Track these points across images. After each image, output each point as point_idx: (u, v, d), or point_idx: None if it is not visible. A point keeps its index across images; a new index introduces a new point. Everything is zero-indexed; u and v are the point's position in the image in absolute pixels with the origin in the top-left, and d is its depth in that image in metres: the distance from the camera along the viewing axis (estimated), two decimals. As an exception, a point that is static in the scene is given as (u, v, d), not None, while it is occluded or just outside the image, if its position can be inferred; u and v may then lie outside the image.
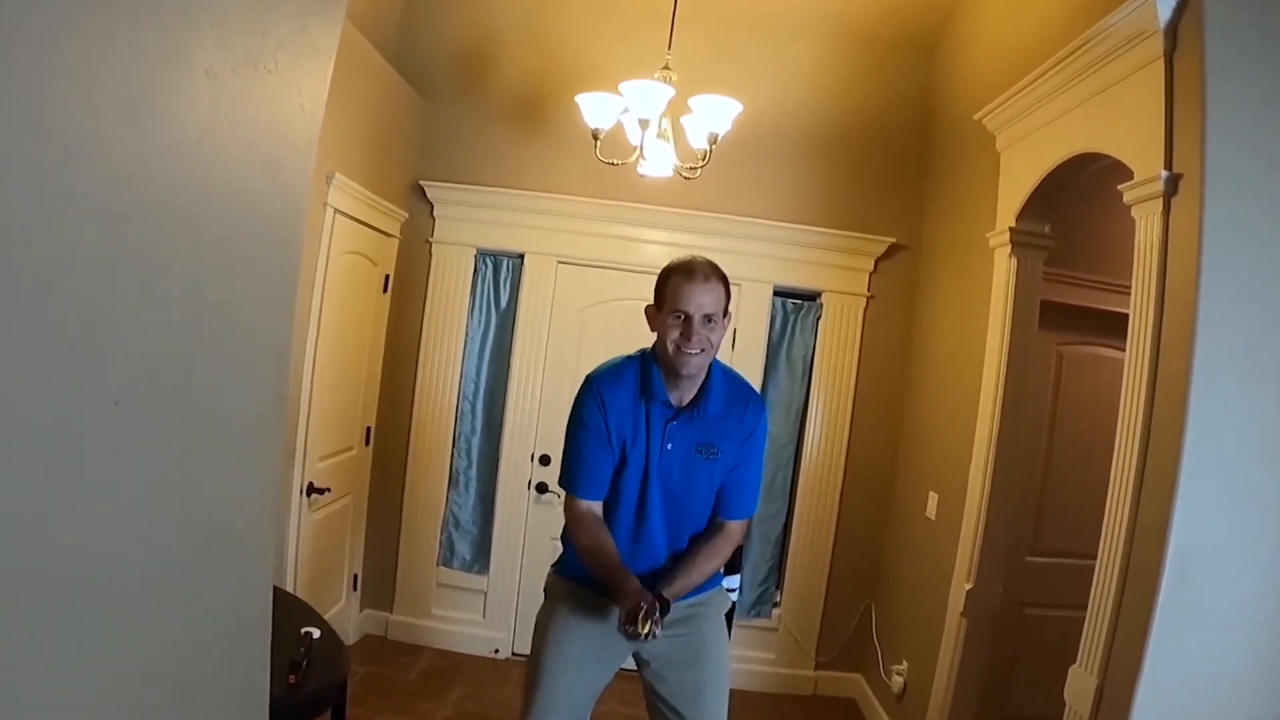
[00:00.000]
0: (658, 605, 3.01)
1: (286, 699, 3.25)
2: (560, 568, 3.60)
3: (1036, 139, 4.46)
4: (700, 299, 3.16)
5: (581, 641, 3.39)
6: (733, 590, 4.10)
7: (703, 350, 3.18)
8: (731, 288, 5.61)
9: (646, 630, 2.93)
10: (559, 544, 3.65)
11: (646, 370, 3.32)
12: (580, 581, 3.44)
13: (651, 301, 3.33)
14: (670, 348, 3.19)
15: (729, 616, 3.79)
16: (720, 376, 3.38)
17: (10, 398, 1.19)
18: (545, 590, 3.63)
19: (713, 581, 3.53)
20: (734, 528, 3.46)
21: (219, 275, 1.69)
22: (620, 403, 3.31)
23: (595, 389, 3.33)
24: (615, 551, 3.28)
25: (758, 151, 6.27)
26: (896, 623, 5.90)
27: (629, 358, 3.41)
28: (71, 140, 1.25)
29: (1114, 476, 3.37)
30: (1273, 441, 3.00)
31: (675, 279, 3.21)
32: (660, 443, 3.31)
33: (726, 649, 3.58)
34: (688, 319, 3.16)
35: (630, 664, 3.50)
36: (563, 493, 3.47)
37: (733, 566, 3.80)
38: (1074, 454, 5.32)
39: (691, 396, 3.32)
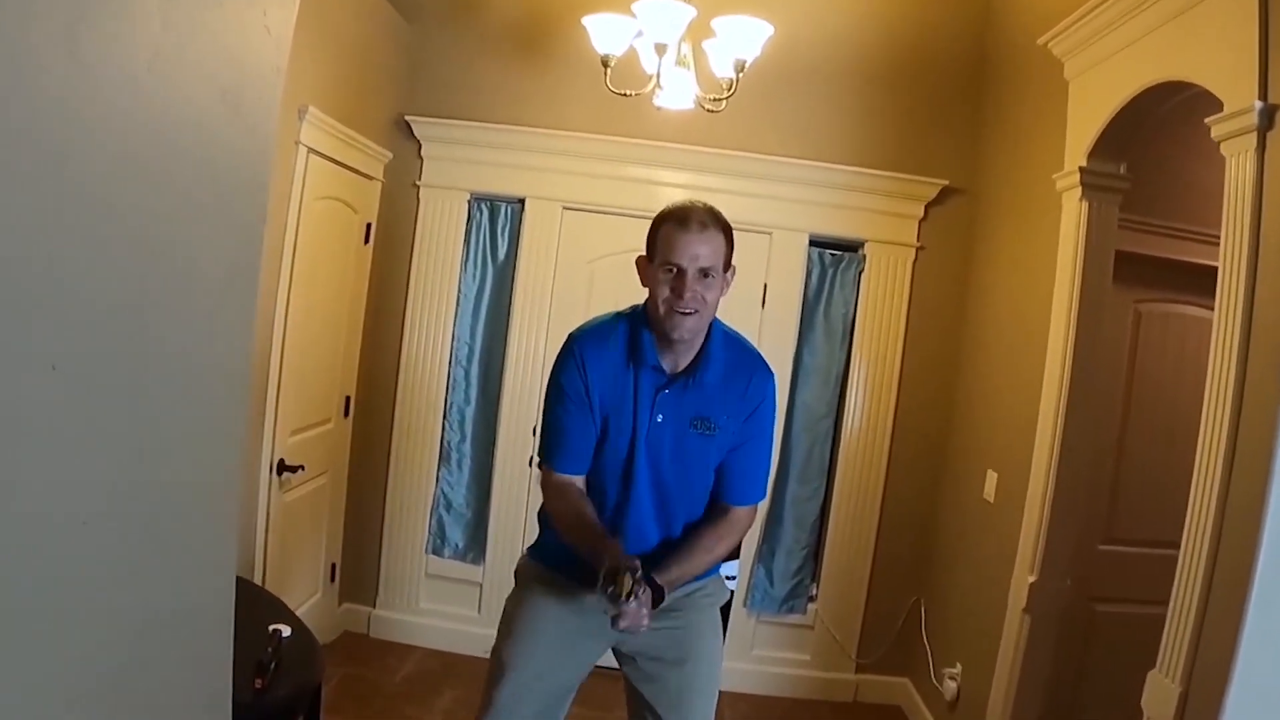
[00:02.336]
0: (643, 576, 2.95)
1: (252, 706, 3.25)
2: (535, 551, 3.62)
3: (1110, 66, 4.41)
4: (695, 249, 3.12)
5: (553, 632, 3.40)
6: (731, 579, 4.07)
7: (697, 311, 3.15)
8: (762, 237, 5.59)
9: (628, 590, 2.85)
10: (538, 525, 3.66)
11: (636, 331, 3.28)
12: (556, 567, 3.44)
13: (644, 253, 3.31)
14: (661, 307, 3.15)
15: (725, 610, 3.77)
16: (721, 340, 3.35)
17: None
18: (516, 575, 3.64)
19: (710, 569, 3.52)
20: (741, 515, 3.45)
21: (173, 223, 1.68)
22: (604, 366, 3.29)
23: (575, 349, 3.32)
24: (598, 521, 3.27)
25: (791, 81, 6.22)
26: (949, 620, 5.91)
27: (618, 314, 3.38)
28: (-2, 67, 1.23)
29: (1200, 453, 3.34)
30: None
31: (667, 226, 3.18)
32: (649, 414, 3.28)
33: (719, 648, 3.59)
34: (680, 273, 3.12)
35: (610, 660, 3.51)
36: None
37: (730, 554, 3.79)
38: (1154, 427, 5.29)
39: (687, 362, 3.30)
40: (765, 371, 3.41)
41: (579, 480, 3.36)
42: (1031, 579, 4.71)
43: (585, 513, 3.27)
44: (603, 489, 3.37)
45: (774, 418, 3.47)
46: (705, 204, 3.25)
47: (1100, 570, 5.31)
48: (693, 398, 3.27)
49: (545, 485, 3.40)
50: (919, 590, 6.36)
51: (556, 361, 3.36)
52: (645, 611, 2.96)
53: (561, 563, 3.38)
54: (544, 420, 3.40)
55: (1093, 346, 4.65)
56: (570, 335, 3.38)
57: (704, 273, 3.13)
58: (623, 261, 6.05)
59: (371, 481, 6.48)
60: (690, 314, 3.13)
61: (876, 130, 6.27)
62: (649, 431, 3.27)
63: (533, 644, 3.37)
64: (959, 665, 5.56)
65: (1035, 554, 4.71)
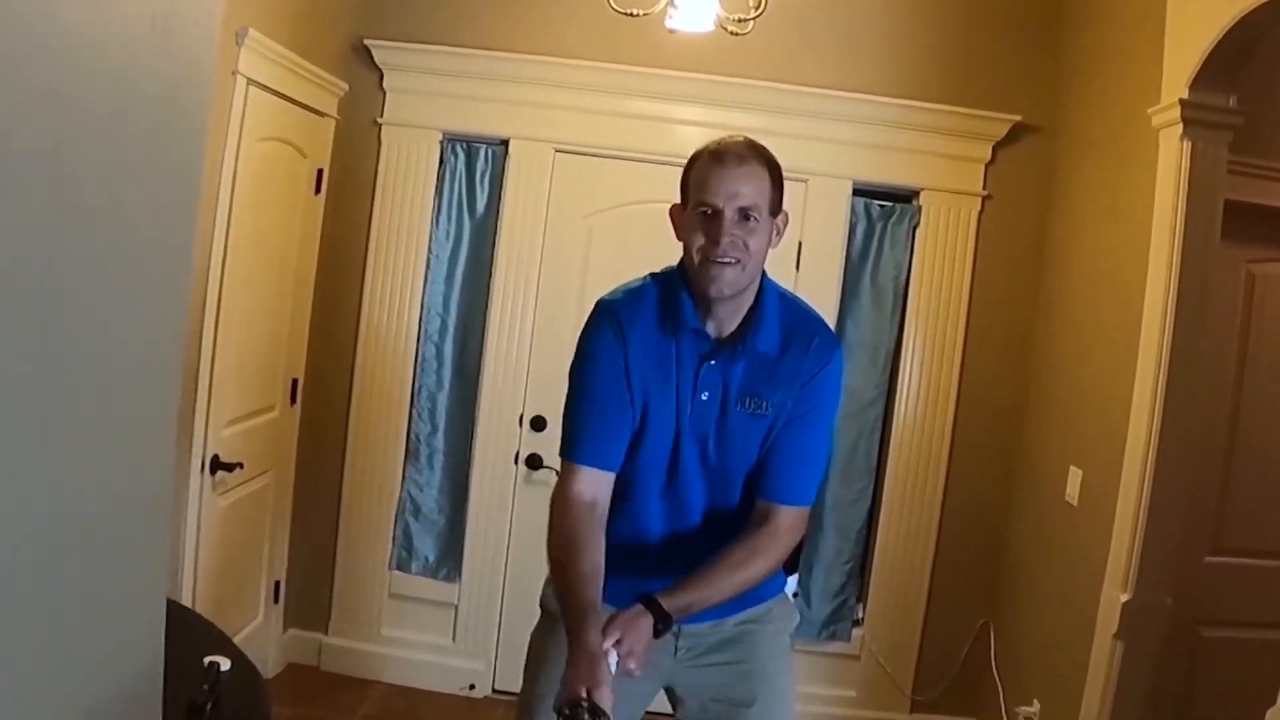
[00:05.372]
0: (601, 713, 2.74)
1: (187, 753, 3.27)
2: None
3: (1220, -25, 4.41)
4: (733, 186, 3.10)
5: None
6: (793, 595, 4.00)
7: (738, 260, 3.10)
8: (797, 185, 5.56)
9: None
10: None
11: (671, 292, 3.26)
12: None
13: (677, 200, 3.28)
14: (696, 257, 3.13)
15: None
16: (776, 301, 3.31)
17: None
18: (542, 603, 3.56)
19: (771, 585, 3.45)
20: (784, 521, 3.30)
21: (93, 170, 1.68)
22: (643, 333, 3.25)
23: (610, 312, 3.28)
24: (592, 574, 3.10)
25: (831, -5, 6.24)
26: (1024, 647, 5.92)
27: (649, 277, 3.37)
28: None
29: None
30: None
31: (701, 163, 3.17)
32: (692, 391, 3.24)
33: (792, 685, 3.54)
34: (717, 214, 3.09)
35: (662, 705, 3.49)
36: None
37: (787, 565, 3.72)
38: (1273, 412, 5.29)
39: (735, 326, 3.26)
40: (829, 337, 3.37)
41: (602, 485, 3.25)
42: (1124, 597, 4.71)
43: (578, 558, 3.10)
44: (643, 492, 3.32)
45: (836, 398, 3.41)
46: (746, 137, 3.23)
47: (1207, 587, 5.32)
48: (742, 370, 3.23)
49: (556, 502, 3.26)
50: (987, 612, 6.37)
51: (585, 331, 3.32)
52: (646, 632, 2.91)
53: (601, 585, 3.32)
54: (569, 403, 3.33)
55: (1198, 315, 4.65)
56: (600, 301, 3.34)
57: (744, 214, 3.10)
58: (629, 215, 6.09)
59: (323, 482, 6.48)
60: (730, 264, 3.09)
61: (934, 56, 6.25)
62: (693, 413, 3.24)
63: None
64: (1036, 703, 5.57)
65: (1128, 567, 4.72)
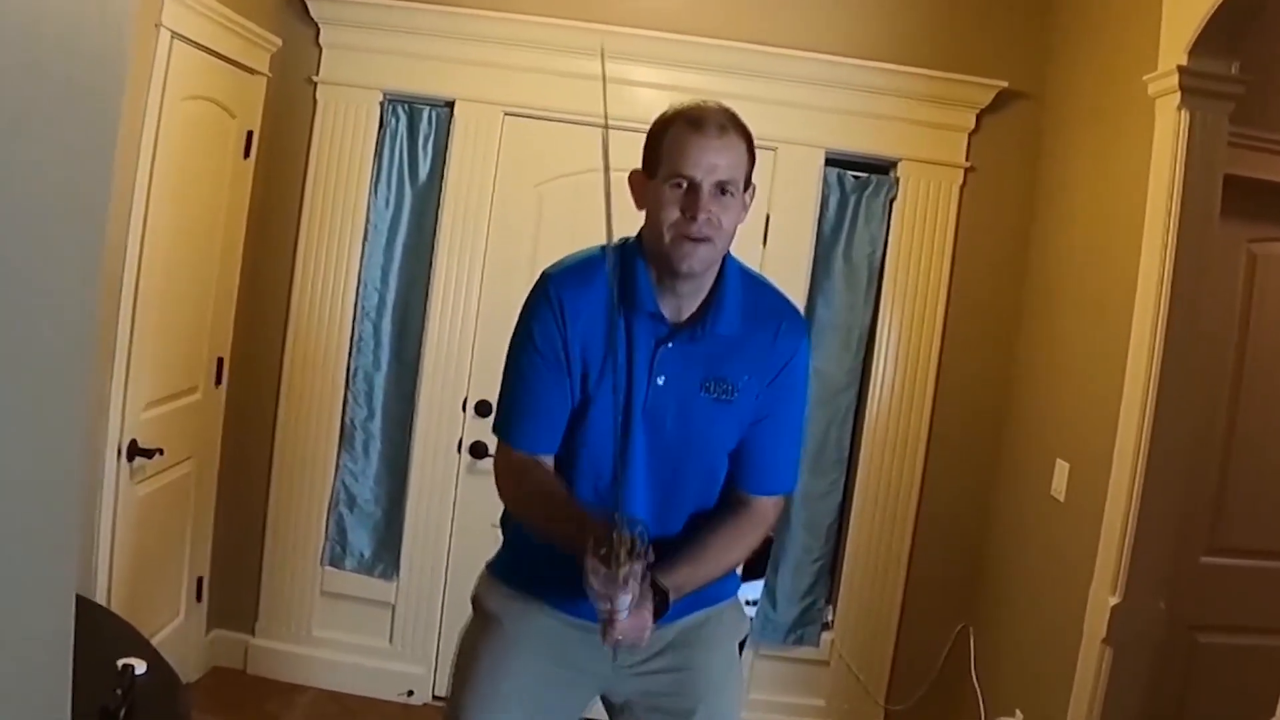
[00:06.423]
0: (646, 535, 2.83)
1: (99, 763, 3.23)
2: (500, 567, 3.56)
3: (1222, -69, 4.40)
4: (712, 158, 3.08)
5: (527, 682, 3.34)
6: (752, 604, 3.95)
7: (711, 238, 3.10)
8: (765, 154, 5.54)
9: (625, 570, 2.74)
10: (499, 532, 3.61)
11: (628, 267, 3.23)
12: (527, 589, 3.39)
13: (640, 167, 3.26)
14: (667, 233, 3.10)
15: (742, 645, 3.72)
16: (738, 279, 3.31)
17: None
18: (474, 600, 3.57)
19: (723, 588, 3.48)
20: (764, 507, 3.40)
21: (-5, 129, 1.65)
22: (589, 314, 3.23)
23: (551, 290, 3.26)
24: (569, 494, 3.23)
25: (804, -51, 6.19)
26: (1006, 653, 5.93)
27: (603, 247, 3.30)
28: None
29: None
30: None
31: (676, 130, 3.14)
32: (647, 375, 3.24)
33: (738, 696, 3.57)
34: (693, 187, 3.08)
35: (597, 713, 3.48)
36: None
37: (753, 568, 3.71)
38: (1274, 401, 5.29)
39: (695, 307, 3.26)
40: (797, 319, 3.40)
41: (546, 461, 3.31)
42: (1114, 600, 4.71)
43: (554, 486, 3.24)
44: (584, 474, 3.31)
45: (807, 382, 3.44)
46: (723, 105, 3.21)
47: (1203, 589, 5.34)
48: (704, 353, 3.23)
49: (500, 469, 3.35)
50: (966, 615, 6.38)
51: (526, 305, 3.31)
52: (647, 616, 2.91)
53: (535, 581, 3.34)
54: (505, 382, 3.35)
55: (1195, 298, 4.64)
56: (544, 273, 3.33)
57: (721, 188, 3.10)
58: (581, 184, 6.05)
59: (251, 470, 6.44)
60: (703, 241, 3.08)
61: (915, 16, 6.24)
62: (648, 398, 3.23)
63: (500, 697, 3.32)
64: (1019, 713, 5.57)
65: (1118, 568, 4.72)
